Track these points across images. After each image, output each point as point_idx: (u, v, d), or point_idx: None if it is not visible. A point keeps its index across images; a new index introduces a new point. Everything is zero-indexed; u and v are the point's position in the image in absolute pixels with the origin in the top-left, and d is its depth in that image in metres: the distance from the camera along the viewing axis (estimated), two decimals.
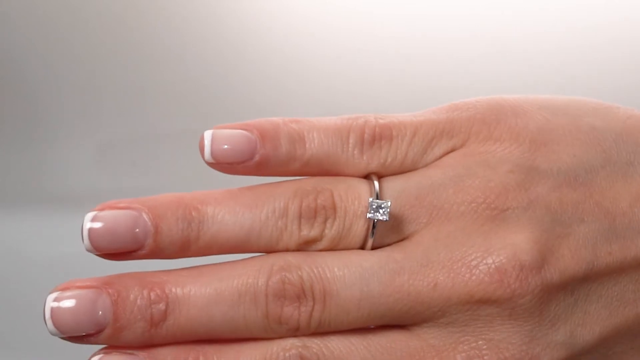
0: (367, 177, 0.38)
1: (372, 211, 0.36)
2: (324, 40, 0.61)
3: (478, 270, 0.35)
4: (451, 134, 0.38)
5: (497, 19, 0.62)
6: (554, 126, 0.39)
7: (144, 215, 0.35)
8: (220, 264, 0.36)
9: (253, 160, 0.36)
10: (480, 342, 0.36)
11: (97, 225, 0.35)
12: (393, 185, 0.37)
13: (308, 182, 0.37)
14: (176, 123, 0.59)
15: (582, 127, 0.39)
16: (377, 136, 0.38)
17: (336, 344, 0.36)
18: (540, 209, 0.36)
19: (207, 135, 0.36)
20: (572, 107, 0.40)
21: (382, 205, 0.36)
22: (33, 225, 0.57)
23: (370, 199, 0.36)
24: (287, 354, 0.35)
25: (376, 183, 0.37)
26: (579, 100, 0.41)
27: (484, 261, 0.35)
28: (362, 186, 0.37)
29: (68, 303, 0.35)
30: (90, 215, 0.35)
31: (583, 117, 0.39)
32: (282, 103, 0.61)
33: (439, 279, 0.35)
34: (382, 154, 0.37)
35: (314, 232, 0.36)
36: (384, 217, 0.36)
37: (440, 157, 0.38)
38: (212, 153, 0.36)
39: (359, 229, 0.36)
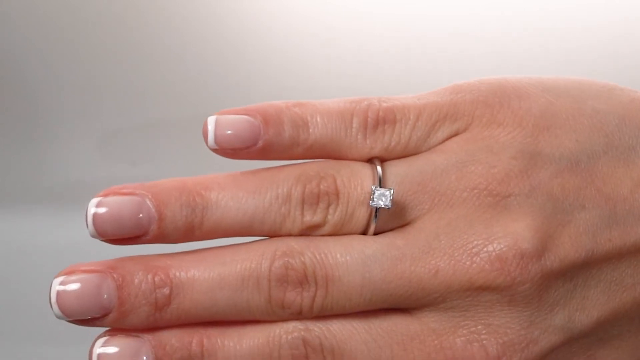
0: (370, 161, 0.38)
1: (374, 199, 0.36)
2: (324, 38, 0.60)
3: (479, 258, 0.36)
4: (454, 117, 0.38)
5: (498, 14, 0.62)
6: (557, 109, 0.38)
7: (148, 202, 0.35)
8: (223, 247, 0.37)
9: (256, 146, 0.36)
10: (480, 327, 0.36)
11: (102, 210, 0.35)
12: (396, 170, 0.37)
13: (311, 167, 0.37)
14: (176, 117, 0.59)
15: (585, 110, 0.39)
16: (381, 120, 0.38)
17: (338, 327, 0.36)
18: (542, 195, 0.36)
19: (211, 121, 0.36)
20: (576, 88, 0.40)
21: (385, 193, 0.36)
22: (33, 221, 0.57)
23: (373, 187, 0.36)
24: (289, 337, 0.36)
25: (379, 168, 0.37)
26: (582, 82, 0.40)
27: (485, 249, 0.36)
28: (365, 171, 0.37)
29: (73, 287, 0.35)
30: (94, 200, 0.35)
31: (587, 100, 0.39)
32: (282, 94, 0.60)
33: (440, 266, 0.36)
34: (385, 138, 0.37)
35: (317, 218, 0.36)
36: (387, 204, 0.36)
37: (444, 140, 0.38)
38: (216, 139, 0.36)
39: (361, 215, 0.37)
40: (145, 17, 0.57)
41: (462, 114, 0.38)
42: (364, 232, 0.37)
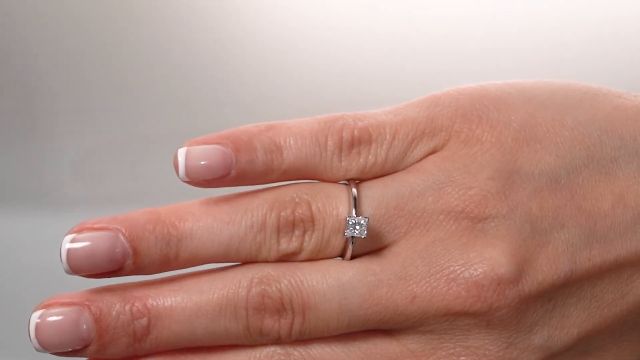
0: (346, 182, 0.37)
1: (349, 228, 0.36)
2: (321, 38, 0.59)
3: (456, 284, 0.35)
4: (432, 134, 0.37)
5: (494, 13, 0.60)
6: (537, 122, 0.38)
7: (122, 238, 0.35)
8: (201, 274, 0.37)
9: (230, 176, 0.36)
10: (458, 349, 0.36)
11: (76, 246, 0.35)
12: (372, 193, 0.37)
13: (286, 192, 0.37)
14: (171, 122, 0.58)
15: (566, 122, 0.38)
16: (356, 140, 0.37)
17: (318, 351, 0.37)
18: (519, 217, 0.36)
19: (181, 152, 0.36)
20: (558, 96, 0.39)
21: (360, 222, 0.36)
22: (26, 224, 0.57)
23: (348, 218, 0.36)
24: None
25: (354, 191, 0.36)
26: (564, 88, 0.39)
27: (462, 275, 0.35)
28: (340, 195, 0.37)
29: (52, 320, 0.35)
30: (68, 237, 0.35)
31: (569, 109, 0.38)
32: (275, 101, 0.59)
33: (417, 292, 0.36)
34: (361, 159, 0.37)
35: (292, 246, 0.36)
36: (362, 234, 0.36)
37: (421, 158, 0.37)
38: (187, 171, 0.35)
39: (337, 242, 0.36)
40: (145, 17, 0.56)
41: (440, 130, 0.37)
42: (341, 256, 0.37)
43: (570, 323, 0.37)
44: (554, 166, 0.37)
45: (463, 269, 0.35)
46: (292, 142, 0.37)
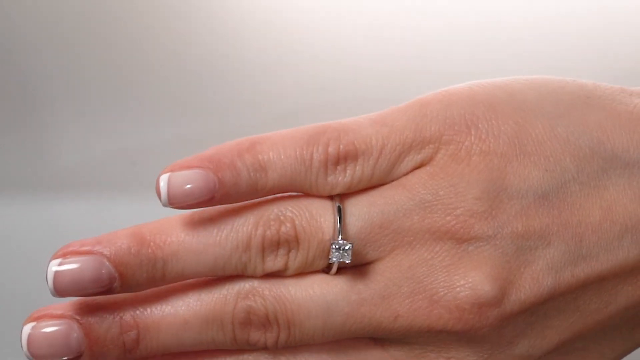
0: (331, 197, 0.37)
1: (334, 252, 0.36)
2: (323, 35, 0.55)
3: (438, 306, 0.36)
4: (420, 147, 0.37)
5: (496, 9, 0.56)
6: (527, 132, 0.37)
7: (107, 263, 0.35)
8: (188, 288, 0.37)
9: (213, 199, 0.36)
10: (441, 359, 0.37)
11: (62, 272, 0.35)
12: (357, 211, 0.36)
13: (270, 209, 0.37)
14: (172, 112, 0.56)
15: (558, 132, 0.37)
16: (342, 156, 0.36)
17: (305, 357, 0.38)
18: (505, 237, 0.36)
19: (163, 179, 0.35)
20: (549, 102, 0.38)
21: (345, 248, 0.36)
22: (23, 212, 0.56)
23: (332, 244, 0.36)
24: None
25: (339, 210, 0.36)
26: (557, 92, 0.38)
27: (445, 297, 0.36)
28: (325, 214, 0.36)
29: (43, 333, 0.36)
30: (55, 261, 0.35)
31: (560, 117, 0.37)
32: (277, 100, 0.56)
33: (400, 312, 0.36)
34: (347, 175, 0.36)
35: (277, 264, 0.36)
36: (346, 259, 0.36)
37: (408, 172, 0.37)
38: (170, 199, 0.35)
39: (322, 262, 0.37)
40: (142, 11, 0.53)
41: (428, 142, 0.36)
42: (327, 270, 0.37)
43: (552, 332, 0.38)
44: (542, 181, 0.36)
45: (446, 291, 0.36)
46: (276, 160, 0.36)
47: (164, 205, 0.35)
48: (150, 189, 0.53)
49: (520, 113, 0.37)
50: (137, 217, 0.52)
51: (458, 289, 0.36)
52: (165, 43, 0.54)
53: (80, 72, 0.54)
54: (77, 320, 0.36)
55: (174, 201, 0.35)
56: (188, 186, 0.35)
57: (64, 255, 0.36)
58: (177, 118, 0.54)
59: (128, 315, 0.37)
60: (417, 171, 0.37)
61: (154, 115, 0.55)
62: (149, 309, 0.37)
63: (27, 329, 0.36)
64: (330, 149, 0.36)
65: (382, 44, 0.55)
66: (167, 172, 0.35)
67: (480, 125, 0.36)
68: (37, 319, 0.36)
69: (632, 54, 0.55)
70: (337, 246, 0.36)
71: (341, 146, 0.36)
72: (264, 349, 0.37)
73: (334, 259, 0.36)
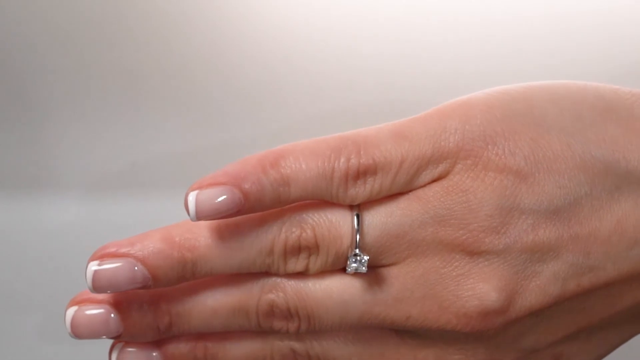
0: (350, 207, 0.39)
1: (351, 263, 0.38)
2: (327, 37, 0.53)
3: (447, 312, 0.38)
4: (438, 162, 0.38)
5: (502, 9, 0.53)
6: (544, 150, 0.38)
7: (140, 266, 0.38)
8: (216, 281, 0.40)
9: (239, 213, 0.38)
10: (451, 349, 0.40)
11: (100, 274, 0.38)
12: (375, 221, 0.38)
13: (293, 217, 0.39)
14: (172, 105, 0.54)
15: (574, 148, 0.38)
16: (362, 172, 0.38)
17: (327, 340, 0.41)
18: (514, 252, 0.38)
19: (191, 198, 0.37)
20: (567, 118, 0.38)
21: (362, 261, 0.38)
22: (22, 210, 0.57)
23: (349, 256, 0.38)
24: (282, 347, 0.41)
25: (357, 221, 0.38)
26: (576, 106, 0.39)
27: (454, 305, 0.38)
28: (345, 222, 0.38)
29: (85, 316, 0.40)
30: (93, 263, 0.38)
31: (577, 135, 0.38)
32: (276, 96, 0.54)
33: (412, 313, 0.39)
34: (366, 188, 0.38)
35: (299, 267, 0.39)
36: (362, 270, 0.38)
37: (426, 184, 0.38)
38: (198, 215, 0.37)
39: (340, 264, 0.39)
40: (144, 8, 0.52)
41: (446, 157, 0.38)
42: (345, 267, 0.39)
43: (557, 329, 0.40)
44: (555, 198, 0.38)
45: (455, 299, 0.38)
46: (299, 175, 0.38)
47: (192, 220, 0.37)
48: (149, 188, 0.55)
49: (538, 129, 0.38)
50: (136, 215, 0.54)
51: (466, 298, 0.38)
52: (166, 41, 0.54)
53: (80, 70, 0.54)
54: (115, 306, 0.39)
55: (202, 216, 0.37)
56: (215, 201, 0.37)
57: (101, 257, 0.38)
58: (179, 116, 0.55)
59: (162, 304, 0.40)
60: (433, 184, 0.38)
61: (155, 114, 0.55)
62: (180, 299, 0.40)
63: (71, 312, 0.40)
64: (351, 164, 0.38)
65: (392, 45, 0.54)
66: (195, 190, 0.37)
67: (498, 142, 0.37)
68: (79, 302, 0.40)
69: (632, 52, 0.54)
70: (354, 258, 0.38)
71: (361, 161, 0.38)
72: (287, 333, 0.41)
73: (351, 269, 0.38)
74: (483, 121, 0.38)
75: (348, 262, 0.38)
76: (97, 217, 0.56)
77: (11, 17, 0.52)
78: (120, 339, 0.40)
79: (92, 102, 0.53)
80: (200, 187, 0.37)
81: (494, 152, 0.37)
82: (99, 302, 0.40)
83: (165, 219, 0.49)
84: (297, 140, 0.40)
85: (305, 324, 0.40)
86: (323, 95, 0.54)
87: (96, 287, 0.38)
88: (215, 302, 0.40)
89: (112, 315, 0.39)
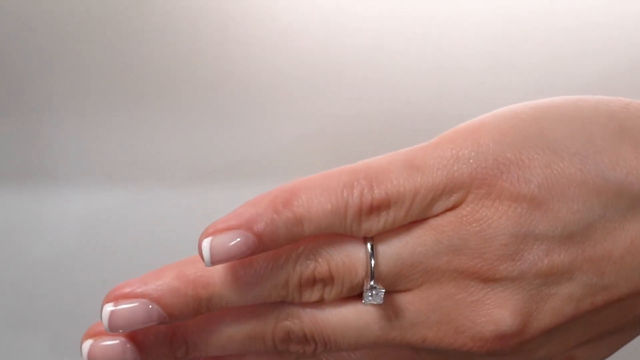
0: (364, 239, 0.39)
1: (367, 296, 0.38)
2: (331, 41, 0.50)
3: (463, 336, 0.39)
4: (451, 192, 0.38)
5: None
6: (558, 176, 0.38)
7: (156, 306, 0.38)
8: (231, 311, 0.40)
9: (253, 254, 0.38)
10: None
11: (116, 315, 0.38)
12: (389, 252, 0.38)
13: (307, 252, 0.38)
14: (172, 94, 0.52)
15: (588, 173, 0.38)
16: (375, 207, 0.38)
17: (344, 357, 0.42)
18: (529, 277, 0.38)
19: (205, 246, 0.37)
20: (579, 140, 0.38)
21: (378, 294, 0.38)
22: (19, 201, 0.55)
23: (365, 289, 0.38)
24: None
25: (371, 253, 0.38)
26: (586, 127, 0.38)
27: (470, 330, 0.39)
28: (359, 254, 0.38)
29: (102, 347, 0.40)
30: (108, 305, 0.38)
31: (590, 157, 0.38)
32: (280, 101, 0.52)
33: (427, 336, 0.39)
34: (379, 222, 0.38)
35: (314, 297, 0.39)
36: (378, 302, 0.38)
37: (440, 214, 0.38)
38: (212, 262, 0.37)
39: (355, 292, 0.39)
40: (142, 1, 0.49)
41: (460, 187, 0.38)
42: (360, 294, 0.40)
43: (570, 339, 0.41)
44: (569, 223, 0.38)
45: (471, 325, 0.39)
46: (312, 214, 0.37)
47: (207, 266, 0.37)
48: (146, 180, 0.54)
49: (551, 155, 0.37)
50: (132, 206, 0.53)
51: (482, 324, 0.38)
52: (168, 35, 0.52)
53: (80, 63, 0.52)
54: (132, 338, 0.40)
55: (216, 262, 0.37)
56: (228, 247, 0.37)
57: (116, 298, 0.38)
58: (180, 109, 0.53)
59: (178, 334, 0.40)
60: (447, 214, 0.38)
61: (156, 107, 0.54)
62: (197, 328, 0.40)
63: (87, 345, 0.40)
64: (364, 200, 0.37)
65: (400, 48, 0.53)
66: (208, 237, 0.37)
67: (511, 170, 0.37)
68: (95, 335, 0.40)
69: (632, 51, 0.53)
70: (371, 292, 0.38)
71: (374, 196, 0.37)
72: (304, 355, 0.41)
73: (367, 302, 0.38)
74: (495, 149, 0.37)
75: (364, 295, 0.38)
76: (99, 211, 0.55)
77: (10, 10, 0.50)
78: None
79: (93, 94, 0.52)
80: (214, 233, 0.37)
81: (508, 180, 0.37)
82: (114, 335, 0.40)
83: (167, 212, 0.49)
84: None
85: (321, 347, 0.40)
86: (331, 96, 0.53)
87: (112, 328, 0.38)
88: (231, 330, 0.40)
89: (128, 345, 0.39)
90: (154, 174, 0.53)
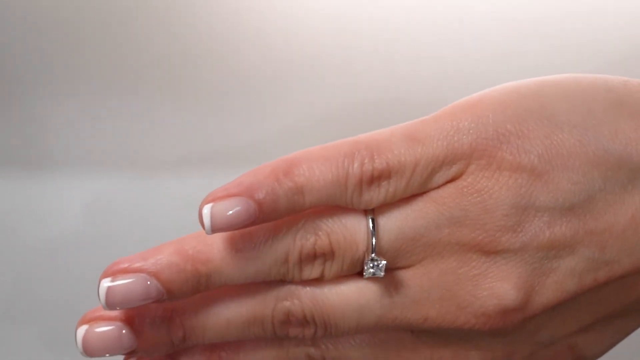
0: (365, 212, 0.38)
1: (368, 268, 0.38)
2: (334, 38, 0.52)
3: (466, 312, 0.38)
4: (451, 163, 0.38)
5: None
6: (558, 147, 0.38)
7: (154, 281, 0.38)
8: (231, 290, 0.40)
9: (254, 223, 0.37)
10: (468, 345, 0.40)
11: (113, 291, 0.38)
12: (390, 225, 0.38)
13: (307, 224, 0.38)
14: (170, 84, 0.53)
15: (588, 144, 0.38)
16: (376, 177, 0.37)
17: (344, 344, 0.41)
18: (531, 249, 0.38)
19: (206, 212, 0.37)
20: (579, 113, 0.38)
21: (379, 266, 0.37)
22: (16, 185, 0.55)
23: (366, 261, 0.38)
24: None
25: (372, 226, 0.38)
26: (587, 101, 0.38)
27: (472, 305, 0.38)
28: (360, 228, 0.38)
29: (97, 333, 0.39)
30: (105, 280, 0.38)
31: (589, 130, 0.38)
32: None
33: (430, 315, 0.39)
34: (380, 193, 0.38)
35: (314, 273, 0.39)
36: (379, 274, 0.38)
37: (440, 185, 0.38)
38: (213, 228, 0.37)
39: (356, 269, 0.39)
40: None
41: (460, 158, 0.38)
42: (361, 272, 0.39)
43: (572, 321, 0.40)
44: (569, 194, 0.38)
45: (473, 299, 0.38)
46: (312, 182, 0.37)
47: (208, 233, 0.37)
48: (145, 167, 0.54)
49: (551, 126, 0.37)
50: (131, 194, 0.53)
51: (484, 298, 0.38)
52: (158, 23, 0.53)
53: (77, 49, 0.53)
54: (128, 322, 0.39)
55: (217, 229, 0.37)
56: (230, 213, 0.36)
57: (114, 273, 0.38)
58: (175, 98, 0.54)
59: (175, 317, 0.39)
60: (448, 185, 0.38)
61: (151, 95, 0.54)
62: (194, 311, 0.39)
63: (82, 330, 0.39)
64: (365, 169, 0.37)
65: (398, 40, 0.54)
66: (209, 202, 0.36)
67: (511, 140, 0.37)
68: (90, 320, 0.39)
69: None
70: (371, 263, 0.37)
71: (375, 166, 0.37)
72: (303, 339, 0.40)
73: (368, 274, 0.38)
74: (495, 120, 0.37)
75: (365, 268, 0.38)
76: (97, 198, 0.55)
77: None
78: (133, 354, 0.40)
79: (91, 80, 0.52)
80: (214, 200, 0.37)
81: (508, 151, 0.37)
82: (110, 319, 0.39)
83: (166, 198, 0.48)
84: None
85: (321, 330, 0.39)
86: (323, 85, 0.53)
87: (110, 304, 0.38)
88: (229, 313, 0.39)
89: (124, 331, 0.39)
90: (153, 161, 0.53)
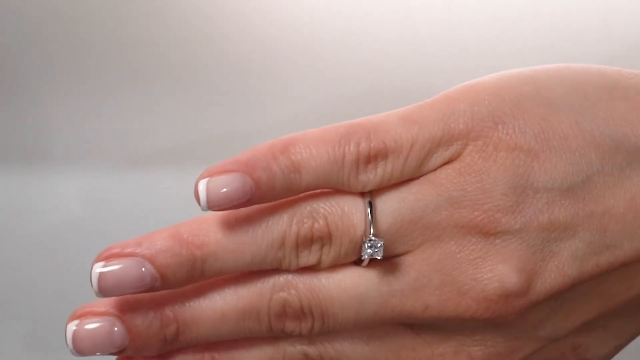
0: (363, 194, 0.38)
1: (366, 249, 0.37)
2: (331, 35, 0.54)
3: (466, 297, 0.37)
4: (448, 144, 0.38)
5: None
6: (553, 128, 0.38)
7: (148, 265, 0.37)
8: (224, 282, 0.39)
9: (250, 201, 0.37)
10: (469, 341, 0.39)
11: (106, 275, 0.37)
12: (388, 208, 0.38)
13: (303, 207, 0.38)
14: (171, 79, 0.55)
15: (583, 126, 0.38)
16: (372, 156, 0.37)
17: (338, 340, 0.40)
18: (531, 230, 0.37)
19: (202, 186, 0.36)
20: (574, 96, 0.38)
21: (377, 245, 0.37)
22: (14, 181, 0.56)
23: (364, 242, 0.37)
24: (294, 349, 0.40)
25: (369, 208, 0.37)
26: (582, 84, 0.39)
27: (473, 289, 0.37)
28: (357, 210, 0.38)
29: (87, 330, 0.38)
30: (98, 265, 0.37)
31: (585, 112, 0.38)
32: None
33: (430, 303, 0.38)
34: (377, 173, 0.37)
35: (311, 259, 0.38)
36: (378, 256, 0.37)
37: (437, 167, 0.38)
38: (209, 204, 0.36)
39: (354, 255, 0.38)
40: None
41: (457, 139, 0.37)
42: (358, 262, 0.38)
43: (575, 315, 0.39)
44: (568, 175, 0.37)
45: (474, 283, 0.37)
46: (309, 161, 0.37)
47: (203, 209, 0.36)
48: (139, 162, 0.53)
49: (547, 108, 0.38)
50: (125, 189, 0.53)
51: (486, 281, 0.37)
52: (156, 16, 0.53)
53: (78, 44, 0.53)
54: (119, 317, 0.38)
55: (213, 205, 0.36)
56: (225, 190, 0.36)
57: (107, 258, 0.37)
58: (173, 92, 0.54)
59: (168, 311, 0.38)
60: (445, 167, 0.38)
61: (149, 89, 0.54)
62: (187, 304, 0.38)
63: (72, 326, 0.38)
64: (362, 149, 0.37)
65: (396, 34, 0.55)
66: (205, 178, 0.36)
67: (507, 121, 0.37)
68: (81, 316, 0.38)
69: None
70: (369, 243, 0.37)
71: (372, 145, 0.37)
72: (299, 336, 0.39)
73: (366, 255, 0.37)
74: (491, 102, 0.38)
75: (363, 249, 0.37)
76: (93, 193, 0.54)
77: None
78: (125, 353, 0.38)
79: (89, 74, 0.52)
80: (210, 175, 0.36)
81: (504, 131, 0.37)
82: (101, 315, 0.38)
83: (164, 193, 0.48)
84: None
85: (319, 323, 0.38)
86: (328, 84, 0.53)
87: (102, 290, 0.37)
88: (224, 304, 0.38)
89: (116, 327, 0.37)
90: (151, 155, 0.52)
